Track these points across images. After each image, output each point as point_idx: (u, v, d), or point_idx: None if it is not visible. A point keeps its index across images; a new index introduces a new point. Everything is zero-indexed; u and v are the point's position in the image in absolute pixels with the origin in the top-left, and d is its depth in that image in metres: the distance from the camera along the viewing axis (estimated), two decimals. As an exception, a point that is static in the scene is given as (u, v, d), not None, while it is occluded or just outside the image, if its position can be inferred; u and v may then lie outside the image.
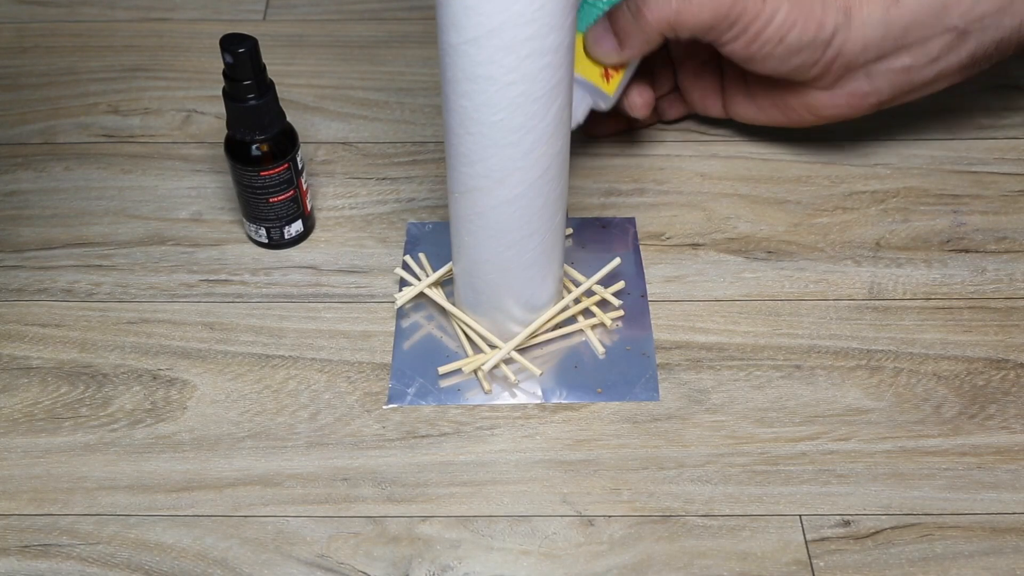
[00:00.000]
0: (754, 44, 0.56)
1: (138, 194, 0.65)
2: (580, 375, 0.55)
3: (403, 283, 0.59)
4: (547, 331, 0.56)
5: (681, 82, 0.66)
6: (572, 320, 0.57)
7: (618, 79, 0.59)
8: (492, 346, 0.55)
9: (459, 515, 0.50)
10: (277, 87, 0.56)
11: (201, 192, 0.65)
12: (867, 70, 0.57)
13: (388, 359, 0.56)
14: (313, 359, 0.56)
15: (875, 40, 0.56)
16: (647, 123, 0.68)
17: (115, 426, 0.53)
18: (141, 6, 0.79)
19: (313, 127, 0.69)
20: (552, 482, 0.51)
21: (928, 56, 0.57)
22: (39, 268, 0.61)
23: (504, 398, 0.54)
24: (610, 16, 0.57)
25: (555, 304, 0.56)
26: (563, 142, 0.48)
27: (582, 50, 0.58)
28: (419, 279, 0.58)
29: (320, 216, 0.63)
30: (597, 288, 0.57)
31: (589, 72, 0.58)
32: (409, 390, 0.54)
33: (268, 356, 0.56)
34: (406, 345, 0.56)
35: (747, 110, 0.65)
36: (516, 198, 0.48)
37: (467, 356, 0.55)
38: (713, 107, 0.66)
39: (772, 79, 0.60)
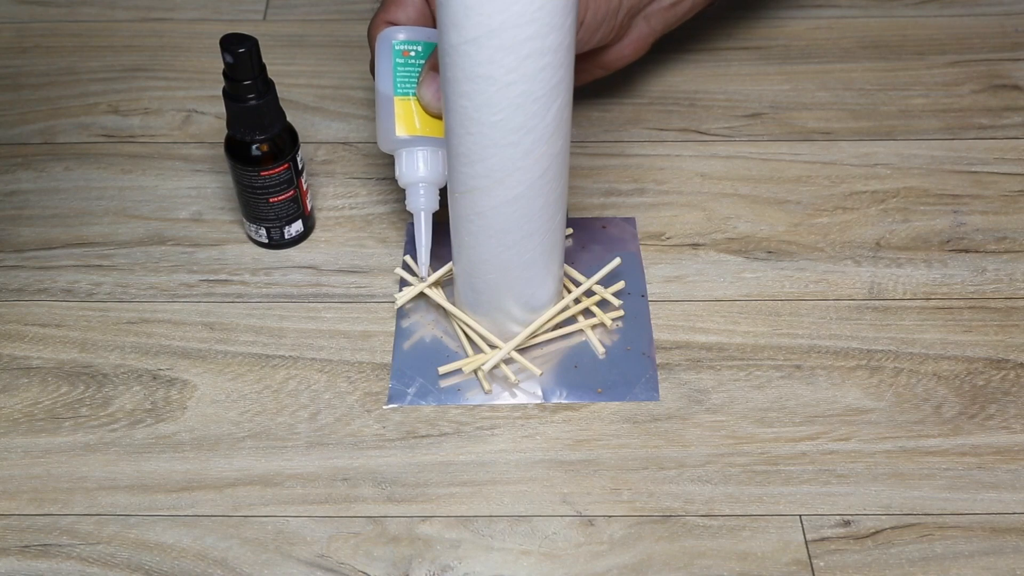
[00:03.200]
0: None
1: (138, 194, 0.65)
2: (580, 375, 0.55)
3: (403, 283, 0.59)
4: (547, 331, 0.56)
5: None
6: (572, 320, 0.57)
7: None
8: (492, 346, 0.55)
9: (459, 515, 0.50)
10: (277, 87, 0.56)
11: (201, 192, 0.65)
12: (644, 14, 0.62)
13: (388, 359, 0.56)
14: (313, 359, 0.56)
15: None
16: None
17: (115, 426, 0.53)
18: (141, 6, 0.79)
19: (313, 127, 0.69)
20: (552, 482, 0.51)
21: None
22: (39, 268, 0.61)
23: (504, 398, 0.54)
24: (431, 64, 0.55)
25: (555, 304, 0.56)
26: (563, 142, 0.48)
27: (422, 113, 0.56)
28: (419, 279, 0.58)
29: (320, 216, 0.63)
30: (597, 288, 0.57)
31: (432, 129, 0.55)
32: (409, 390, 0.54)
33: (268, 356, 0.56)
34: (406, 345, 0.56)
35: None
36: (516, 198, 0.48)
37: (467, 356, 0.55)
38: None
39: None
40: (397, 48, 0.56)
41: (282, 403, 0.54)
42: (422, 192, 0.56)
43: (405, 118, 0.55)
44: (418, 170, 0.56)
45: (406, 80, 0.56)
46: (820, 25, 0.76)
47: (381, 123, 0.56)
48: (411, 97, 0.56)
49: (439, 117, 0.55)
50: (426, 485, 0.51)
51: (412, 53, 0.56)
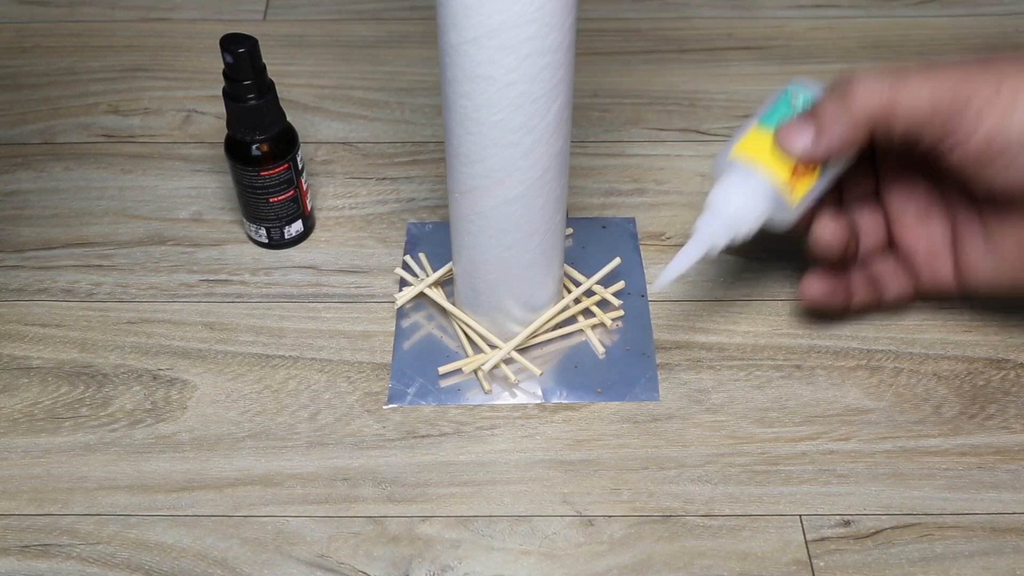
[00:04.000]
0: (990, 147, 0.43)
1: (138, 194, 0.65)
2: (580, 375, 0.55)
3: (403, 283, 0.59)
4: (547, 331, 0.56)
5: (899, 235, 0.53)
6: (572, 320, 0.57)
7: (806, 186, 0.49)
8: (492, 346, 0.55)
9: (459, 515, 0.50)
10: (277, 87, 0.56)
11: (201, 192, 0.65)
12: None
13: (388, 359, 0.56)
14: (313, 359, 0.56)
15: None
16: (863, 307, 0.55)
17: (115, 426, 0.53)
18: (141, 6, 0.79)
19: (313, 127, 0.69)
20: (552, 482, 0.51)
21: None
22: (39, 268, 0.61)
23: (504, 398, 0.54)
24: (806, 113, 0.48)
25: (555, 304, 0.56)
26: (563, 142, 0.48)
27: (769, 148, 0.49)
28: (419, 279, 0.58)
29: (320, 216, 0.63)
30: (597, 288, 0.57)
31: (772, 173, 0.49)
32: (409, 390, 0.54)
33: (268, 356, 0.56)
34: (406, 345, 0.56)
35: (986, 264, 0.50)
36: (516, 198, 0.48)
37: (467, 356, 0.55)
38: (942, 268, 0.52)
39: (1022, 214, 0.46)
40: (790, 90, 0.51)
41: (282, 403, 0.54)
42: (715, 227, 0.49)
43: (751, 144, 0.50)
44: (735, 203, 0.49)
45: (775, 114, 0.50)
46: (820, 25, 0.76)
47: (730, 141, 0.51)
48: (771, 129, 0.49)
49: (785, 162, 0.49)
50: (426, 485, 0.51)
51: (799, 98, 0.50)
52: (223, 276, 0.60)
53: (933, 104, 0.44)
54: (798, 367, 0.55)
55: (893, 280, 0.54)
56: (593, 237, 0.61)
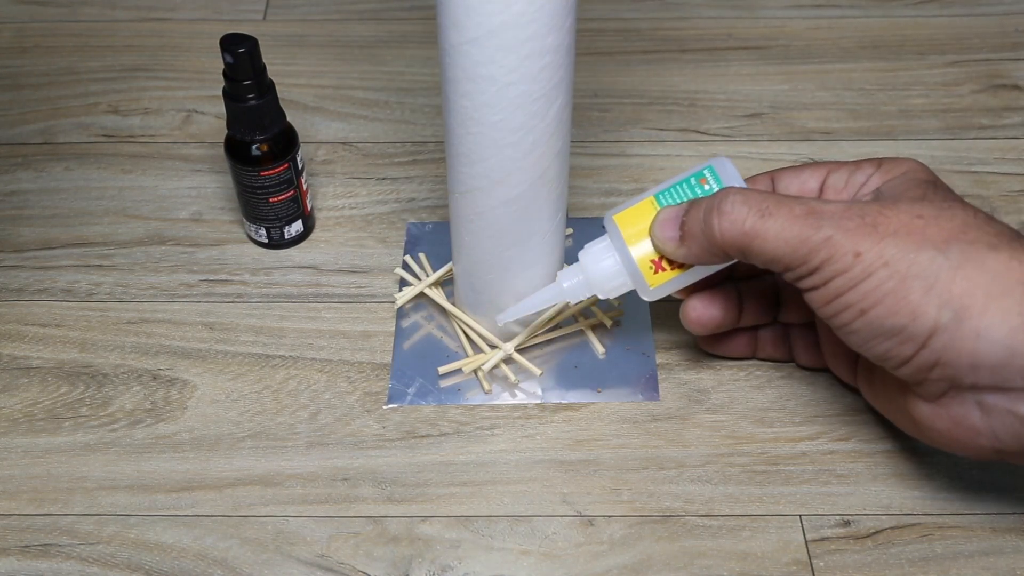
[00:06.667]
0: (832, 304, 0.43)
1: (138, 194, 0.65)
2: (580, 375, 0.55)
3: (403, 283, 0.59)
4: (547, 331, 0.56)
5: (784, 317, 0.54)
6: (572, 320, 0.57)
7: (668, 277, 0.49)
8: (492, 346, 0.55)
9: (459, 515, 0.50)
10: (277, 87, 0.56)
11: (201, 192, 0.65)
12: (979, 399, 0.42)
13: (388, 359, 0.56)
14: (313, 359, 0.56)
15: (992, 363, 0.40)
16: (756, 356, 0.55)
17: (115, 426, 0.53)
18: (141, 6, 0.79)
19: (313, 127, 0.69)
20: (552, 482, 0.51)
21: None
22: (39, 268, 0.61)
23: (504, 398, 0.54)
24: (689, 204, 0.47)
25: (555, 304, 0.56)
26: (563, 142, 0.48)
27: (647, 227, 0.49)
28: (419, 279, 0.58)
29: (320, 216, 0.63)
30: (597, 288, 0.57)
31: (641, 254, 0.49)
32: (409, 390, 0.54)
33: (268, 356, 0.56)
34: (406, 345, 0.56)
35: (851, 376, 0.52)
36: (516, 198, 0.48)
37: (467, 356, 0.55)
38: (810, 356, 0.54)
39: None
40: (706, 172, 0.49)
41: (282, 403, 0.54)
42: (576, 279, 0.50)
43: (635, 216, 0.49)
44: (600, 266, 0.50)
45: (677, 196, 0.49)
46: (820, 25, 0.76)
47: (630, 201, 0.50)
48: (659, 208, 0.49)
49: (661, 252, 0.48)
50: (426, 485, 0.51)
51: (708, 186, 0.48)
52: (223, 276, 0.60)
53: (790, 252, 0.43)
54: (798, 367, 0.55)
55: (772, 345, 0.55)
56: (593, 237, 0.61)
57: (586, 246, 0.51)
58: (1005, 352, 0.40)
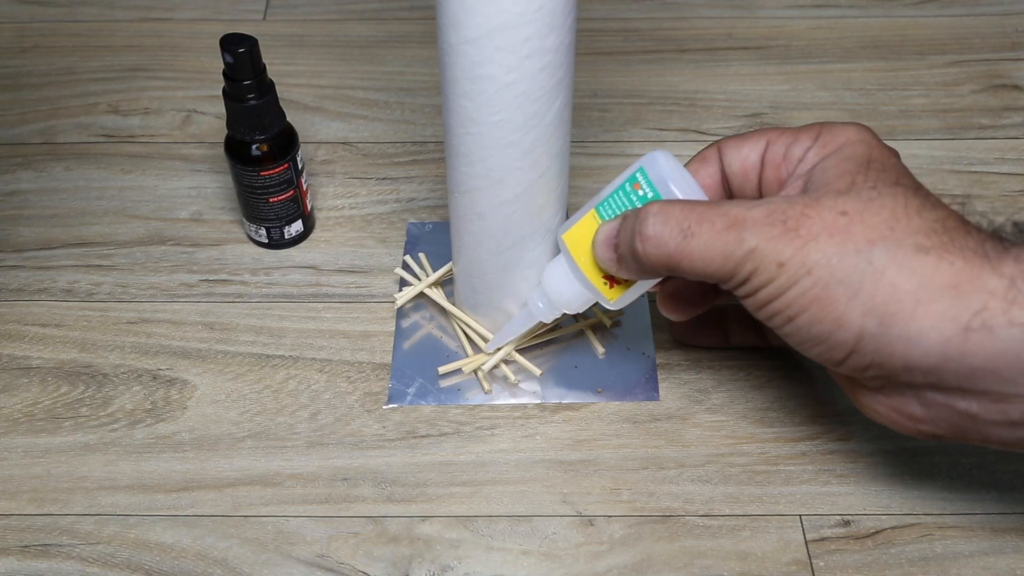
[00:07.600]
0: (763, 311, 0.43)
1: (138, 194, 0.65)
2: (580, 375, 0.55)
3: (403, 283, 0.59)
4: (547, 331, 0.56)
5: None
6: (572, 320, 0.57)
7: (624, 290, 0.48)
8: (492, 346, 0.55)
9: (459, 515, 0.50)
10: (277, 87, 0.56)
11: (201, 192, 0.65)
12: (918, 394, 0.43)
13: (388, 359, 0.56)
14: (313, 359, 0.56)
15: (925, 367, 0.41)
16: (730, 344, 0.56)
17: (115, 426, 0.53)
18: (141, 6, 0.79)
19: (313, 127, 0.69)
20: (552, 482, 0.51)
21: (1006, 417, 0.41)
22: (39, 268, 0.61)
23: (504, 398, 0.54)
24: (621, 223, 0.46)
25: (555, 304, 0.56)
26: (563, 142, 0.48)
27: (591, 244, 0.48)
28: (419, 279, 0.58)
29: (320, 216, 0.63)
30: (597, 288, 0.57)
31: (591, 270, 0.48)
32: (409, 390, 0.54)
33: (268, 356, 0.56)
34: (406, 345, 0.56)
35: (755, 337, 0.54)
36: (516, 198, 0.48)
37: (467, 356, 0.55)
38: (780, 338, 0.50)
39: None
40: (638, 175, 0.47)
41: (282, 403, 0.54)
42: (541, 305, 0.51)
43: (580, 234, 0.49)
44: (561, 289, 0.50)
45: (615, 207, 0.48)
46: (820, 25, 0.76)
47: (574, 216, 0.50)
48: (600, 222, 0.48)
49: (601, 268, 0.48)
50: (426, 485, 0.51)
51: (641, 191, 0.47)
52: (223, 276, 0.60)
53: (717, 268, 0.43)
54: (798, 367, 0.55)
55: (749, 331, 0.55)
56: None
57: (546, 267, 0.51)
58: (939, 358, 0.40)
